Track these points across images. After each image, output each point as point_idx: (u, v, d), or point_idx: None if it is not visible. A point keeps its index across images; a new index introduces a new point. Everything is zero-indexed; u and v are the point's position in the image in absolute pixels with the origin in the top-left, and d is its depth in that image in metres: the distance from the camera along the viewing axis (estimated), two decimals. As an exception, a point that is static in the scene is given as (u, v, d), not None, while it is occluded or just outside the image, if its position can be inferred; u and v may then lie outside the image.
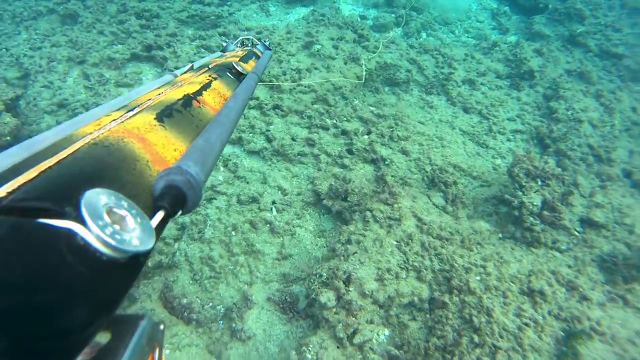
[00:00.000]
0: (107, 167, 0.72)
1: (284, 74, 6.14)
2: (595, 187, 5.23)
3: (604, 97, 6.65)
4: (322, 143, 5.50)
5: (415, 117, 6.04)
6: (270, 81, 6.04)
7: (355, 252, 4.31)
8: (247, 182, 5.28)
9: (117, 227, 0.55)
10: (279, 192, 5.24)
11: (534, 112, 6.44)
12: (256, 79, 1.66)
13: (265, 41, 2.59)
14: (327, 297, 4.06)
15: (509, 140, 6.06)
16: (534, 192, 4.77)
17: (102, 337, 0.59)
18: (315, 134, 5.60)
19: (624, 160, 5.90)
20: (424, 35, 8.29)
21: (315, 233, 5.06)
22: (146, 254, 0.62)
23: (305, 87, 5.97)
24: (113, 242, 0.52)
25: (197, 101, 1.21)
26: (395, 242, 4.39)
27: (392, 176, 5.11)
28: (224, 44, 2.43)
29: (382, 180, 5.05)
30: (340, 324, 3.94)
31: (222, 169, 5.42)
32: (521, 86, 6.89)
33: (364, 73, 6.37)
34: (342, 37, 6.93)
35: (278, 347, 4.36)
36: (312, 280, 4.27)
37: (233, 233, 4.92)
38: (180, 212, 0.71)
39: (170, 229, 4.96)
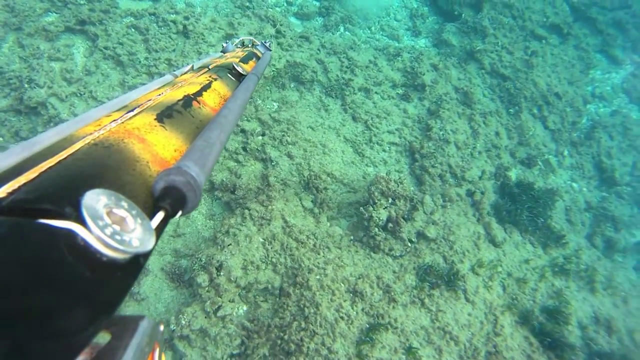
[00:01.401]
0: (107, 167, 0.75)
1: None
2: (438, 206, 6.65)
3: (474, 121, 8.05)
4: (222, 139, 6.57)
5: (307, 121, 7.21)
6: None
7: (230, 245, 5.57)
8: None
9: (117, 227, 0.57)
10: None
11: (413, 127, 7.74)
12: (256, 80, 1.69)
13: (265, 42, 2.69)
14: (202, 278, 5.37)
15: (384, 151, 7.37)
16: (383, 208, 6.12)
17: (102, 338, 0.62)
18: (218, 130, 6.65)
19: (473, 180, 7.39)
20: (342, 29, 9.26)
21: (206, 216, 6.27)
22: (146, 255, 0.65)
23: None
24: (113, 243, 0.54)
25: (197, 102, 1.26)
26: (262, 240, 5.68)
27: (275, 177, 6.31)
28: (224, 45, 2.48)
29: (266, 180, 6.26)
30: (209, 301, 5.27)
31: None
32: (411, 98, 8.14)
33: (272, 72, 7.37)
34: (260, 31, 7.79)
35: (165, 308, 5.69)
36: (194, 262, 5.55)
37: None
38: (180, 213, 0.73)
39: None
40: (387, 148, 7.45)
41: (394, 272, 5.92)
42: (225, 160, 6.51)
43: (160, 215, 0.69)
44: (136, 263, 0.62)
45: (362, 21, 9.62)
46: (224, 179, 6.25)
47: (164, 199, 0.71)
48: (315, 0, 9.62)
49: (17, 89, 6.43)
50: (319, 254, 5.72)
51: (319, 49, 8.21)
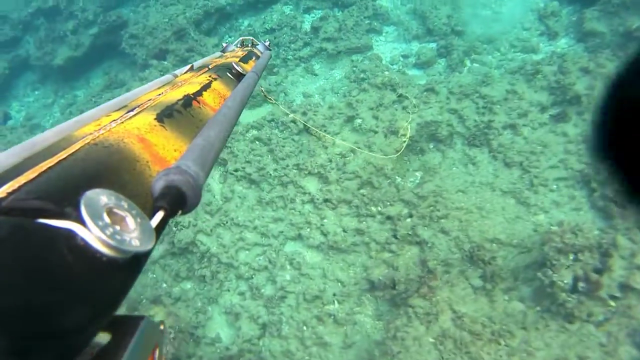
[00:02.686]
0: (107, 167, 0.77)
1: (330, 161, 7.09)
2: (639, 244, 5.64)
3: (655, 119, 6.77)
4: (371, 232, 6.46)
5: (455, 185, 6.75)
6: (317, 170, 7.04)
7: (400, 352, 5.33)
8: (311, 278, 6.43)
9: (117, 227, 0.59)
10: (339, 284, 6.33)
11: (579, 151, 6.77)
12: (256, 78, 1.73)
13: (265, 41, 2.75)
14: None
15: (552, 191, 6.55)
16: (565, 269, 5.37)
17: (102, 338, 0.63)
18: (364, 223, 6.57)
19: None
20: (468, 63, 8.69)
21: (374, 317, 6.13)
22: (146, 255, 0.66)
23: (350, 173, 6.89)
24: (113, 243, 0.55)
25: (197, 101, 1.29)
26: (432, 340, 5.34)
27: (434, 260, 5.96)
28: (224, 45, 2.57)
29: (425, 265, 5.95)
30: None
31: (288, 267, 6.61)
32: (567, 116, 7.18)
33: (404, 143, 7.13)
34: (381, 103, 7.64)
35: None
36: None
37: (304, 328, 6.13)
38: (180, 212, 0.75)
39: (254, 330, 6.31)
40: (555, 187, 6.61)
41: (601, 345, 5.09)
42: (378, 254, 6.35)
43: (159, 215, 0.69)
44: (136, 263, 0.63)
45: (488, 45, 8.92)
46: (381, 277, 6.08)
47: (164, 199, 0.71)
48: (431, 42, 9.23)
49: (168, 233, 7.07)
50: (499, 343, 5.17)
51: (447, 98, 7.75)
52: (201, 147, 0.87)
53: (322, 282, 6.37)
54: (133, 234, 0.60)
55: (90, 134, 0.89)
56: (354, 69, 8.72)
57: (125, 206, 0.63)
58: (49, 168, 0.69)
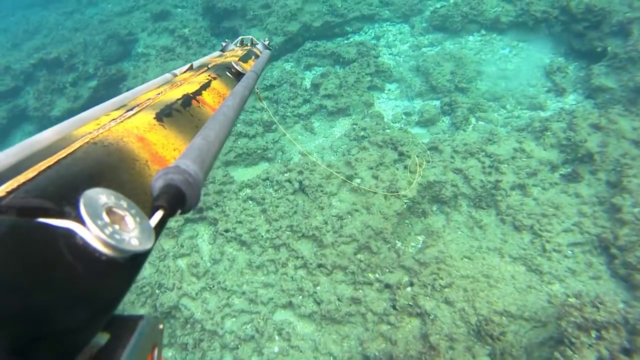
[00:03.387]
0: (106, 166, 0.76)
1: (326, 223, 6.52)
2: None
3: (678, 176, 6.16)
4: (367, 301, 5.79)
5: (460, 250, 6.11)
6: (312, 233, 6.45)
7: None
8: (301, 351, 5.72)
9: (116, 226, 0.57)
10: (331, 358, 5.61)
11: (595, 214, 6.14)
12: (255, 77, 1.69)
13: (264, 40, 2.68)
14: None
15: (566, 257, 5.88)
16: (587, 348, 4.64)
17: (101, 338, 0.61)
18: (360, 292, 5.91)
19: None
20: (473, 121, 8.24)
21: (370, 399, 5.37)
22: (145, 254, 0.64)
23: (346, 237, 6.29)
24: (112, 242, 0.54)
25: (197, 101, 1.27)
26: None
27: (437, 334, 5.26)
28: (224, 44, 2.52)
29: (427, 340, 5.23)
30: None
31: (276, 337, 5.92)
32: (580, 176, 6.59)
33: (404, 203, 6.56)
34: (382, 161, 7.13)
35: None
36: None
37: (295, 409, 5.40)
38: (179, 212, 0.73)
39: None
40: (569, 252, 5.93)
41: None
42: (375, 326, 5.64)
43: (159, 214, 0.67)
44: (135, 262, 0.62)
45: (494, 102, 8.49)
46: (378, 351, 5.37)
47: (163, 198, 0.69)
48: (435, 100, 8.82)
49: (151, 295, 6.51)
50: None
51: (452, 157, 7.22)
52: (200, 147, 0.85)
53: (313, 356, 5.67)
54: (132, 233, 0.59)
55: (90, 133, 0.88)
56: (354, 127, 8.29)
57: (125, 205, 0.62)
58: (49, 167, 0.68)
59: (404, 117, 8.71)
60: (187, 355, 6.13)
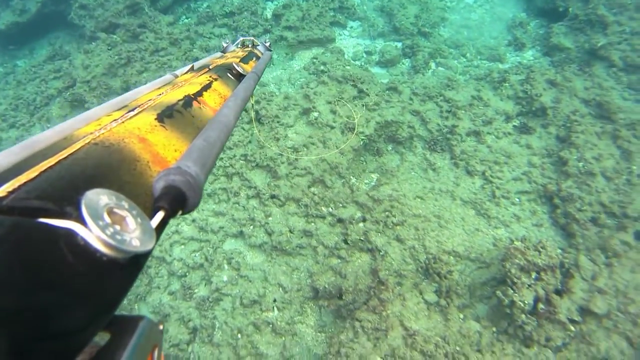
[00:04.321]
0: (107, 167, 0.75)
1: (280, 155, 6.31)
2: (600, 266, 5.11)
3: (621, 137, 6.31)
4: (319, 234, 5.71)
5: (414, 190, 6.10)
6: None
7: (343, 371, 4.61)
8: (250, 281, 5.61)
9: (117, 227, 0.57)
10: (280, 289, 5.54)
11: (543, 165, 6.25)
12: (256, 78, 1.68)
13: (265, 42, 2.65)
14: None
15: (513, 204, 5.98)
16: (526, 288, 4.78)
17: (102, 338, 0.60)
18: (312, 224, 5.81)
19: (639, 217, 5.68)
20: (433, 66, 8.13)
21: (316, 328, 5.37)
22: (146, 255, 0.64)
23: (301, 169, 6.12)
24: (113, 243, 0.54)
25: (198, 102, 1.26)
26: (379, 359, 4.63)
27: (386, 270, 5.27)
28: (225, 45, 2.48)
29: (376, 275, 5.24)
30: None
31: (226, 266, 5.77)
32: (532, 128, 6.66)
33: (361, 139, 6.42)
34: (340, 96, 6.91)
35: None
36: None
37: (239, 336, 5.32)
38: (180, 213, 0.73)
39: (183, 334, 5.43)
40: (517, 200, 6.05)
41: (560, 372, 4.52)
42: (326, 259, 5.59)
43: (160, 215, 0.65)
44: (136, 263, 0.61)
45: (455, 50, 8.38)
46: (327, 284, 5.33)
47: (164, 199, 0.68)
48: (397, 41, 8.60)
49: None
50: (454, 367, 4.52)
51: (411, 99, 7.11)
52: (201, 148, 0.84)
53: (262, 286, 5.57)
54: (133, 234, 0.57)
55: (91, 133, 0.86)
56: (314, 61, 7.98)
57: (126, 206, 0.60)
58: (50, 167, 0.67)
59: (364, 55, 8.46)
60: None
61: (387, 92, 7.22)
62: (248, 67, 1.89)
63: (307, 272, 5.60)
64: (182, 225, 6.14)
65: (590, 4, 8.03)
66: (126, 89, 7.80)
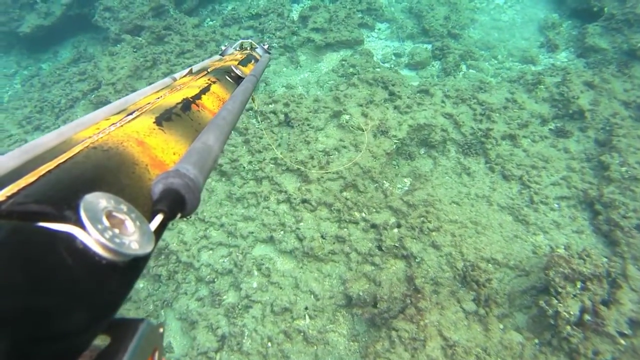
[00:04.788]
0: (106, 170, 0.75)
1: (312, 157, 6.19)
2: (649, 275, 4.92)
3: (666, 138, 6.10)
4: (352, 240, 5.57)
5: (449, 195, 5.94)
6: (298, 167, 6.12)
7: (382, 383, 4.46)
8: (281, 288, 5.49)
9: (116, 230, 0.57)
10: (312, 296, 5.41)
11: (583, 169, 6.05)
12: (255, 81, 1.67)
13: (264, 44, 2.65)
14: None
15: (552, 210, 5.79)
16: (572, 297, 4.60)
17: (102, 341, 0.60)
18: (345, 230, 5.67)
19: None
20: (464, 68, 7.96)
21: (348, 337, 5.23)
22: (145, 258, 0.65)
23: (333, 173, 6.00)
24: (112, 246, 0.54)
25: (196, 105, 1.26)
26: (419, 372, 4.48)
27: (422, 277, 5.12)
28: (223, 48, 2.50)
29: (412, 283, 5.09)
30: None
31: (255, 273, 5.66)
32: (569, 132, 6.47)
33: (393, 143, 6.28)
34: (371, 100, 6.78)
35: None
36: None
37: (269, 344, 5.19)
38: (179, 215, 0.73)
39: (211, 341, 5.32)
40: (556, 205, 5.86)
41: (610, 390, 4.32)
42: (359, 266, 5.45)
43: (159, 218, 0.67)
44: (135, 266, 0.62)
45: (485, 52, 8.21)
46: (361, 292, 5.19)
47: (163, 202, 0.69)
48: (426, 43, 8.45)
49: None
50: (497, 382, 4.35)
51: (443, 101, 6.95)
52: (200, 151, 0.84)
53: (294, 293, 5.45)
54: (132, 237, 0.58)
55: (90, 137, 0.87)
56: (343, 63, 7.85)
57: (125, 209, 0.61)
58: (49, 171, 0.67)
59: (393, 57, 8.33)
60: (160, 287, 5.83)
61: (419, 94, 7.08)
62: (247, 70, 1.91)
63: (340, 279, 5.47)
64: (210, 230, 6.04)
65: (628, 3, 7.82)
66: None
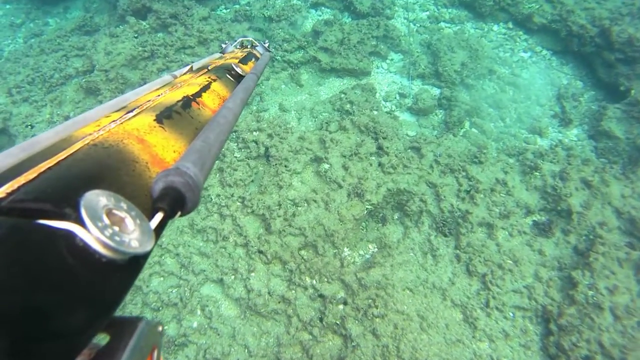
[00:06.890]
0: (106, 168, 0.76)
1: (279, 205, 6.11)
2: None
3: (647, 269, 5.90)
4: (297, 305, 5.58)
5: (406, 279, 5.86)
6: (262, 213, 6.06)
7: None
8: (218, 335, 5.56)
9: (116, 228, 0.57)
10: (246, 350, 5.48)
11: (550, 281, 5.91)
12: (255, 79, 1.71)
13: (264, 42, 2.68)
14: None
15: (505, 318, 5.71)
16: None
17: (101, 339, 0.61)
18: (293, 292, 5.67)
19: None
20: (467, 125, 7.68)
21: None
22: (145, 256, 0.65)
23: (295, 228, 5.94)
24: (112, 244, 0.54)
25: (197, 103, 1.28)
26: None
27: (353, 366, 5.14)
28: (224, 46, 2.53)
29: (342, 369, 5.12)
30: None
31: (198, 312, 5.72)
32: (551, 230, 6.27)
33: (365, 208, 6.16)
34: (357, 151, 6.60)
35: None
36: None
37: (195, 394, 5.33)
38: (179, 214, 0.74)
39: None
40: (511, 314, 5.77)
41: None
42: (297, 332, 5.47)
43: (159, 216, 0.67)
44: (135, 264, 0.62)
45: (495, 110, 7.89)
46: (293, 356, 5.24)
47: (163, 200, 0.69)
48: (436, 87, 8.13)
49: None
50: None
51: (431, 167, 6.76)
52: (200, 149, 0.85)
53: (228, 343, 5.52)
54: (132, 235, 0.59)
55: (90, 134, 0.87)
56: (341, 97, 7.61)
57: (125, 207, 0.62)
58: (48, 169, 0.68)
59: (397, 97, 8.06)
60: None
61: (409, 151, 6.87)
62: (247, 68, 1.91)
63: (276, 340, 5.52)
64: (166, 256, 6.08)
65: (653, 91, 7.41)
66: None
